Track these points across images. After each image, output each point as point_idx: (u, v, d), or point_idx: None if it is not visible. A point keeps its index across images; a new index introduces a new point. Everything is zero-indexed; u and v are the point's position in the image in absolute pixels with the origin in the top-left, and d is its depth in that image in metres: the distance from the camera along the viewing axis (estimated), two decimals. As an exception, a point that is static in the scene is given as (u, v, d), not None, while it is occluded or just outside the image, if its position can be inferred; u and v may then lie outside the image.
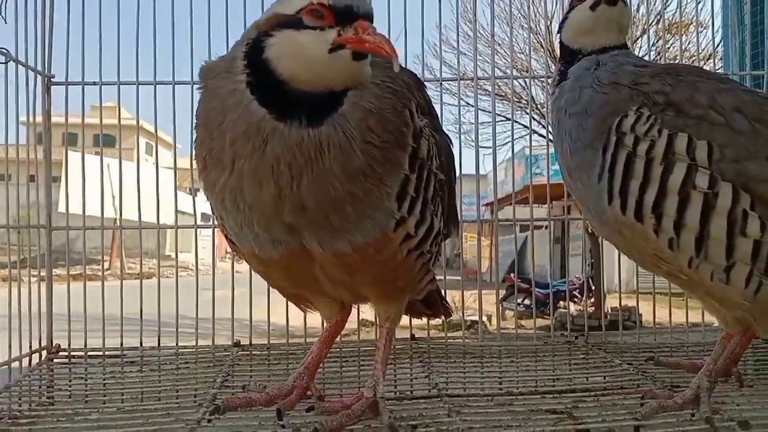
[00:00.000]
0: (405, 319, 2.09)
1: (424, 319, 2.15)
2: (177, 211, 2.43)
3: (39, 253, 2.26)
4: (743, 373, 1.87)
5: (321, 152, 1.22)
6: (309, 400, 1.53)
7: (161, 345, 2.25)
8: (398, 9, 2.33)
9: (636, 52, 2.22)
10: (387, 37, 1.21)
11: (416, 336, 2.33)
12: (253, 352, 2.21)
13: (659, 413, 1.45)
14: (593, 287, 7.36)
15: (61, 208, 2.41)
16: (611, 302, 7.04)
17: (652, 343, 2.37)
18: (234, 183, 1.27)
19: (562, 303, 9.26)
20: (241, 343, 2.26)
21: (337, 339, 1.93)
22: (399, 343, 2.25)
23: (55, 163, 2.40)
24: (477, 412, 1.51)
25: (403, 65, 1.59)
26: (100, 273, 2.33)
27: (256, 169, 1.24)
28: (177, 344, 2.22)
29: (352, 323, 2.15)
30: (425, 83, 1.72)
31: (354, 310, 1.85)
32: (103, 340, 2.21)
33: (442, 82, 2.56)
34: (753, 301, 1.42)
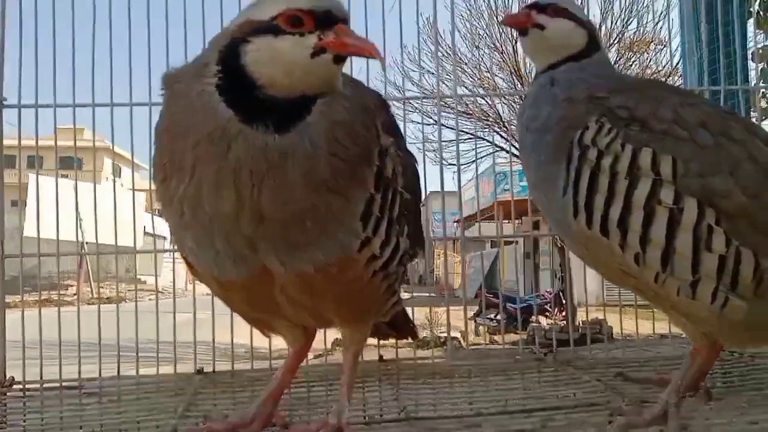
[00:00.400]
0: (373, 341, 2.07)
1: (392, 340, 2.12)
2: (135, 233, 2.36)
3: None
4: (712, 386, 1.87)
5: (284, 159, 1.20)
6: (273, 428, 1.49)
7: (122, 374, 2.17)
8: (359, 27, 2.33)
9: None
10: (367, 38, 1.22)
11: (384, 357, 2.30)
12: (216, 380, 2.14)
13: (628, 431, 1.44)
14: (564, 301, 7.41)
15: (26, 233, 2.36)
16: (583, 315, 7.10)
17: (621, 358, 2.37)
18: (194, 190, 1.23)
19: (533, 317, 9.30)
20: (205, 370, 2.20)
21: (304, 363, 1.89)
22: (367, 365, 2.21)
23: (22, 187, 2.34)
24: (446, 436, 1.48)
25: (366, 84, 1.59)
26: (63, 300, 2.26)
27: (218, 174, 1.20)
28: (137, 372, 2.15)
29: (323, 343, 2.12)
30: (392, 102, 1.72)
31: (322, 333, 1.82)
32: (60, 370, 2.13)
33: (411, 101, 2.56)
34: (719, 316, 1.41)
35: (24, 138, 2.24)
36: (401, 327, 1.93)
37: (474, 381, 2.16)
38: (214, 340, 2.23)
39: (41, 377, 2.12)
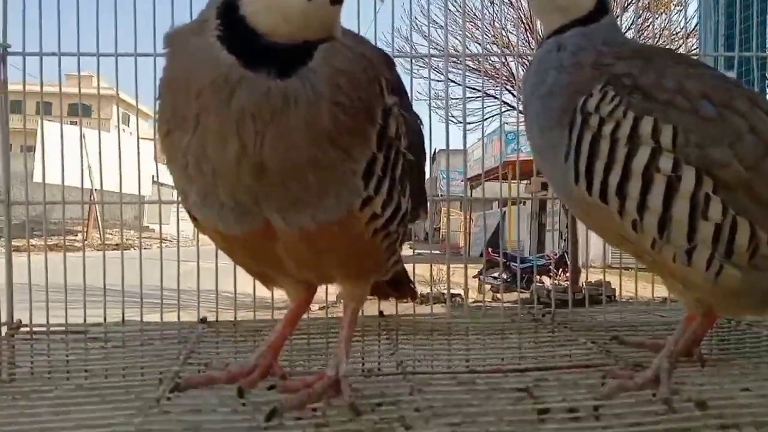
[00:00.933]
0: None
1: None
2: (140, 181, 2.37)
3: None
4: (708, 353, 1.89)
5: (287, 104, 1.19)
6: (272, 378, 1.52)
7: (126, 320, 2.22)
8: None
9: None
10: None
11: (384, 313, 2.33)
12: (219, 329, 2.19)
13: (619, 393, 1.46)
14: (568, 262, 7.44)
15: (37, 178, 2.40)
16: (590, 276, 7.15)
17: (617, 321, 2.40)
18: (198, 141, 1.24)
19: (537, 277, 9.36)
20: (208, 319, 2.24)
21: (305, 315, 1.93)
22: (367, 319, 2.24)
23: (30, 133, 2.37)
24: (439, 391, 1.52)
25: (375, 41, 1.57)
26: (71, 245, 2.29)
27: (222, 121, 1.20)
28: (141, 319, 2.19)
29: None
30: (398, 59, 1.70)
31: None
32: (66, 314, 2.18)
33: (429, 59, 2.55)
34: (714, 283, 1.43)
35: (32, 84, 2.24)
36: (402, 287, 1.95)
37: (471, 339, 2.20)
38: (217, 289, 2.26)
39: (47, 321, 2.17)
